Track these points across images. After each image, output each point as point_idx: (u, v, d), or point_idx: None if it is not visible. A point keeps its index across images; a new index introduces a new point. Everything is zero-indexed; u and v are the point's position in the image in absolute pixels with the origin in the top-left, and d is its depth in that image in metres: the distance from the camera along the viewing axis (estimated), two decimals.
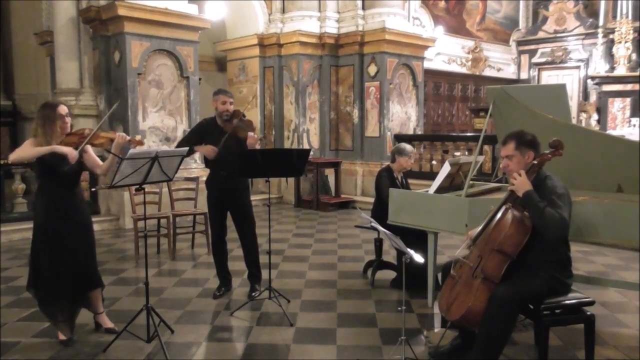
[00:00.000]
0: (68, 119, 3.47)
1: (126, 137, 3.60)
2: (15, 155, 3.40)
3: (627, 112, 14.19)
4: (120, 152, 3.53)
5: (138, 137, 3.85)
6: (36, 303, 3.60)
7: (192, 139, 4.46)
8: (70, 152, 3.32)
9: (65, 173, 3.42)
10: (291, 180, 9.74)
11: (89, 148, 3.58)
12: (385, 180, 4.85)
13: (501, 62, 15.82)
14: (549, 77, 15.91)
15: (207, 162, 4.49)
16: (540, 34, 16.04)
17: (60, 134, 3.44)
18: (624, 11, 14.12)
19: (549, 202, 2.85)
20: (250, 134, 4.24)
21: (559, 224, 2.80)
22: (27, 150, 3.37)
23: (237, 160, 4.15)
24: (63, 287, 3.49)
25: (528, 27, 16.39)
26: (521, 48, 16.31)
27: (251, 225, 4.55)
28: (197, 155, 8.41)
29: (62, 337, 3.57)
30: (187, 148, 3.80)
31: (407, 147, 4.98)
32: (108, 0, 7.66)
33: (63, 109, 3.45)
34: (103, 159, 3.85)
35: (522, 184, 2.92)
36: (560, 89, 4.10)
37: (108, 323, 3.76)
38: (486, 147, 8.58)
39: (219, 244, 4.62)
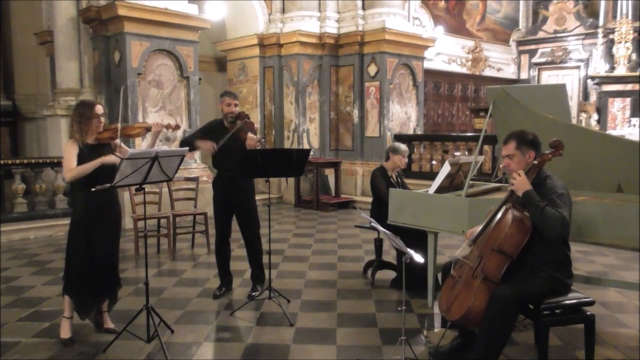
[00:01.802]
0: (102, 119, 3.57)
1: (162, 125, 3.77)
2: (70, 174, 3.47)
3: (627, 112, 14.19)
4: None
5: (173, 123, 3.97)
6: (37, 302, 3.61)
7: (198, 136, 4.54)
8: (116, 160, 3.41)
9: (102, 170, 3.48)
10: (291, 180, 9.74)
11: (121, 143, 3.66)
12: (381, 180, 4.86)
13: (501, 62, 15.82)
14: (549, 77, 15.91)
15: (214, 163, 4.52)
16: (540, 34, 16.05)
17: (94, 132, 3.53)
18: (624, 11, 14.12)
19: (549, 202, 2.86)
20: (250, 135, 4.25)
21: (559, 223, 2.80)
22: (76, 167, 3.45)
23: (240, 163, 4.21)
24: (92, 281, 3.55)
25: (528, 27, 16.39)
26: (521, 48, 16.31)
27: (255, 227, 4.56)
28: (197, 155, 8.42)
29: (63, 335, 3.59)
30: (187, 148, 3.84)
31: (402, 145, 5.00)
32: (108, 0, 7.66)
33: (99, 109, 3.56)
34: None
35: (521, 183, 2.92)
36: (560, 89, 4.10)
37: (109, 323, 3.78)
38: (486, 147, 8.59)
39: (222, 244, 4.63)
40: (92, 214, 3.54)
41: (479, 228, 3.16)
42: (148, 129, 3.72)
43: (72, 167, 3.45)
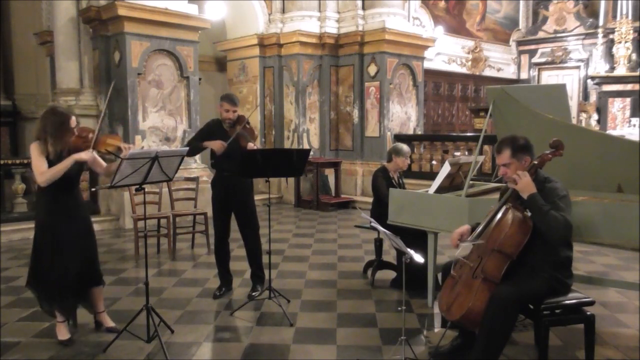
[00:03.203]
0: (76, 131, 3.46)
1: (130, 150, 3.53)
2: (43, 178, 3.34)
3: (627, 112, 14.19)
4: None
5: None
6: (36, 302, 3.62)
7: (202, 138, 4.52)
8: (90, 157, 3.38)
9: (67, 174, 3.41)
10: (291, 180, 9.74)
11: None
12: (382, 180, 4.86)
13: (501, 62, 15.82)
14: (549, 77, 15.91)
15: (213, 163, 4.52)
16: (540, 34, 16.05)
17: (66, 142, 3.41)
18: (624, 11, 14.12)
19: (552, 205, 2.85)
20: (250, 144, 4.24)
21: (562, 227, 2.80)
22: (49, 169, 3.34)
23: (239, 164, 4.20)
24: (65, 285, 3.50)
25: (528, 27, 16.38)
26: (521, 48, 16.31)
27: (254, 226, 4.56)
28: (197, 156, 8.41)
29: (61, 337, 3.58)
30: (187, 148, 3.85)
31: (404, 147, 4.98)
32: (108, 0, 7.66)
33: (74, 122, 3.46)
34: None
35: (526, 185, 2.90)
36: (560, 89, 4.10)
37: (109, 322, 3.78)
38: (486, 147, 8.58)
39: (221, 244, 4.62)
40: (55, 219, 3.46)
41: (464, 228, 3.21)
42: (119, 148, 3.41)
43: (43, 170, 3.32)
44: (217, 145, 4.29)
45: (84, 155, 3.36)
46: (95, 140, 3.41)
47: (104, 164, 3.69)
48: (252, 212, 4.56)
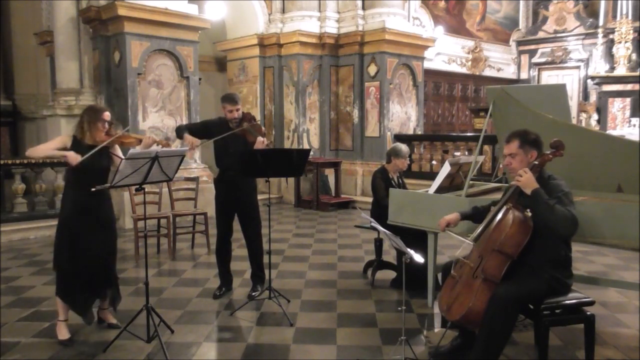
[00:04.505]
0: (107, 125, 3.65)
1: (154, 139, 3.79)
2: (30, 151, 3.61)
3: (627, 112, 14.19)
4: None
5: (164, 141, 3.98)
6: (37, 303, 3.63)
7: (196, 128, 4.56)
8: (71, 156, 3.47)
9: (94, 170, 3.52)
10: (291, 180, 9.74)
11: (117, 148, 3.73)
12: (380, 182, 4.85)
13: (501, 62, 15.82)
14: (549, 77, 15.92)
15: (217, 162, 4.52)
16: (540, 34, 16.05)
17: (97, 134, 3.59)
18: (624, 11, 14.13)
19: (557, 200, 2.86)
20: (260, 138, 4.24)
21: (569, 222, 2.81)
22: (43, 148, 3.69)
23: (239, 163, 4.21)
24: (78, 280, 3.57)
25: (528, 27, 16.39)
26: (521, 48, 16.31)
27: (257, 226, 4.56)
28: (197, 155, 8.42)
29: (61, 337, 3.59)
30: (186, 148, 3.87)
31: (403, 148, 4.97)
32: (108, 0, 7.66)
33: (107, 116, 3.67)
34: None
35: (529, 181, 2.91)
36: (560, 89, 4.11)
37: (111, 319, 3.81)
38: (486, 147, 8.59)
39: (223, 244, 4.62)
40: (78, 215, 3.56)
41: (452, 216, 3.30)
42: (140, 141, 3.76)
43: (38, 147, 3.68)
44: (192, 141, 4.32)
45: (66, 154, 3.47)
46: (119, 136, 3.68)
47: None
48: (255, 212, 4.55)
